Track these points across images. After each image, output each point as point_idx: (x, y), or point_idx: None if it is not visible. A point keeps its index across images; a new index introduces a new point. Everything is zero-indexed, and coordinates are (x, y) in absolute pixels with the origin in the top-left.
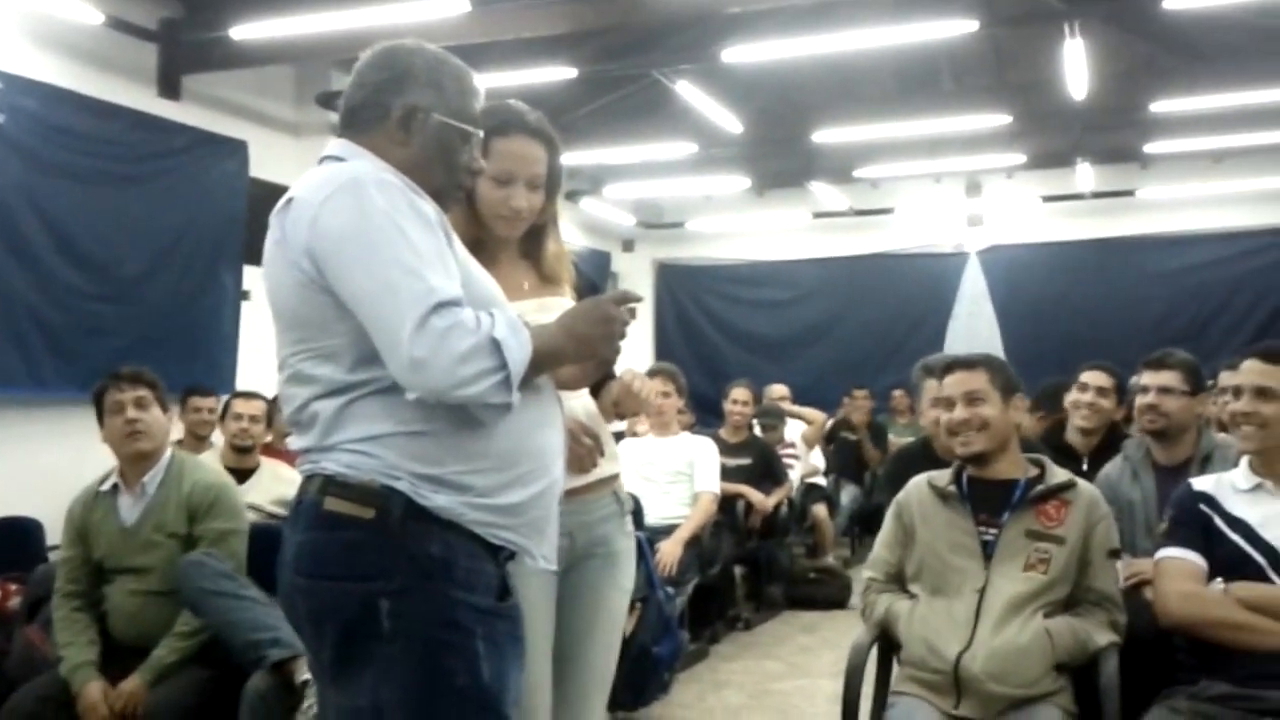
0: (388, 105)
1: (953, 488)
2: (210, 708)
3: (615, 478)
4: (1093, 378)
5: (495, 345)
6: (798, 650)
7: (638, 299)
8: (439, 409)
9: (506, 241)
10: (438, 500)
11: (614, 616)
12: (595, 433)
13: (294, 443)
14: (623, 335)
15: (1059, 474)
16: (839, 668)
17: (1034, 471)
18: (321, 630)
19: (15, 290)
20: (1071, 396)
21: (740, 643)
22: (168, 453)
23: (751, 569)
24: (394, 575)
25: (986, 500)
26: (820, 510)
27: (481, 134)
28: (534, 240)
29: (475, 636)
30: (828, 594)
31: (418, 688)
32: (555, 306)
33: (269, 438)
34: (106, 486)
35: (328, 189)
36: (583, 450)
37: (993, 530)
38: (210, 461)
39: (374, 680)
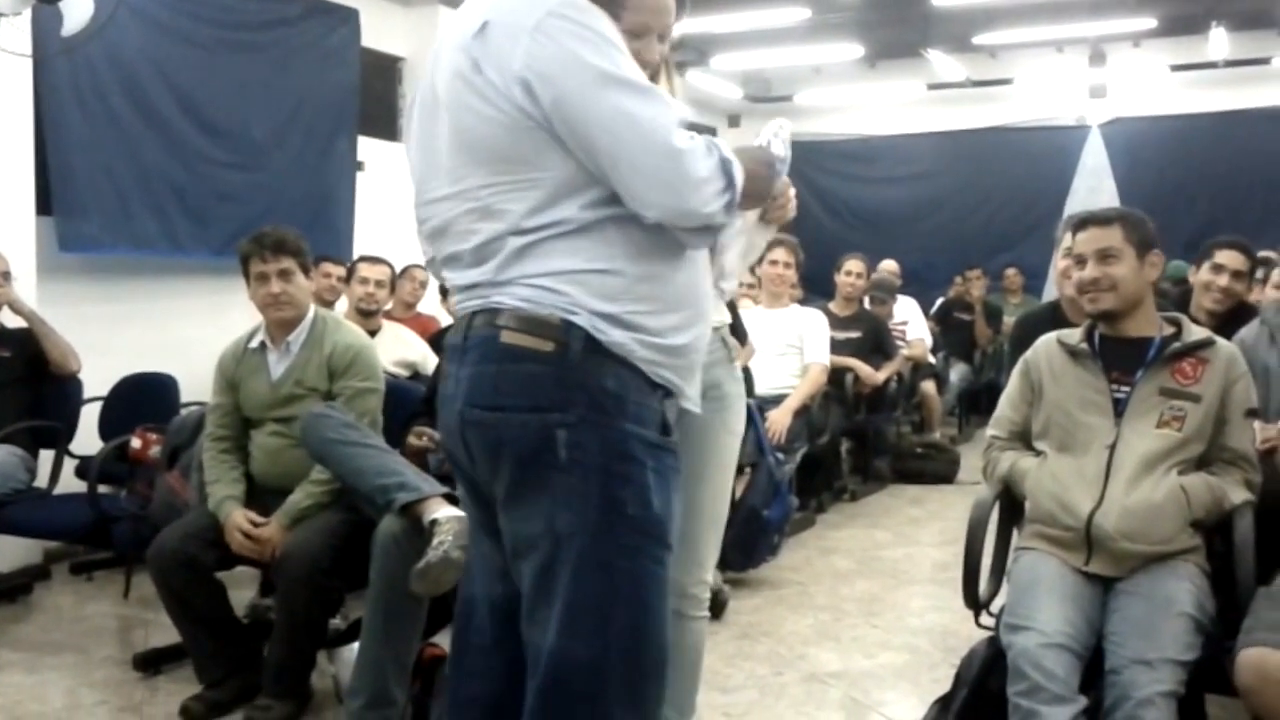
0: None
1: (1084, 345)
2: (344, 550)
3: (722, 326)
4: (1229, 259)
5: (726, 166)
6: (905, 521)
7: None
8: (626, 248)
9: None
10: (613, 336)
11: (725, 460)
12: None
13: (455, 278)
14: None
15: (1197, 332)
16: (946, 537)
17: (1170, 329)
18: (498, 460)
19: (150, 157)
20: (1204, 276)
21: (846, 513)
22: (311, 313)
23: (858, 442)
24: (571, 407)
25: (1119, 358)
26: (929, 387)
27: None
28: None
29: (646, 468)
30: (935, 469)
31: (593, 515)
32: None
33: (390, 304)
34: (255, 344)
35: (536, 11)
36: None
37: (1125, 388)
38: None
39: (549, 508)
